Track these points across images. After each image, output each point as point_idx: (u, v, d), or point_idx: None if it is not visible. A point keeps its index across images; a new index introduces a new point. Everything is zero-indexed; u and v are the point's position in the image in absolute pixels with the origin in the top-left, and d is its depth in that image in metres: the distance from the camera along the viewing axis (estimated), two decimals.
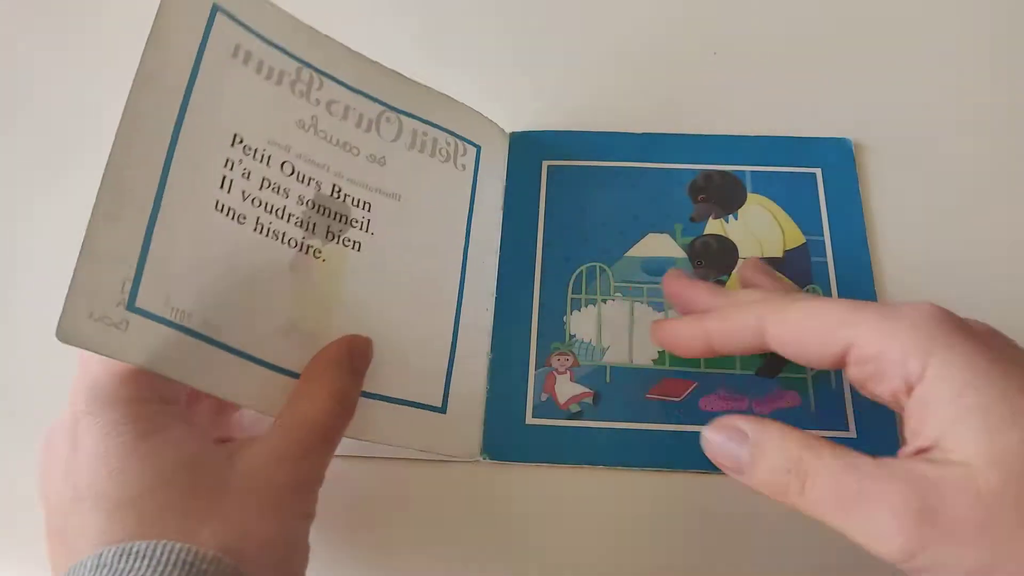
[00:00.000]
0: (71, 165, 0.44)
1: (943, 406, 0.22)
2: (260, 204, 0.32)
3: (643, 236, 0.39)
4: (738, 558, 0.32)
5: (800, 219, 0.39)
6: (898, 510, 0.21)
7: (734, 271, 0.38)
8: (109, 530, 0.24)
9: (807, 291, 0.37)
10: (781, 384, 0.35)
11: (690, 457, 0.34)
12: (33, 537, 0.33)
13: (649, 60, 0.46)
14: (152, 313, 0.28)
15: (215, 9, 0.33)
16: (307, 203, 0.34)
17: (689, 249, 0.39)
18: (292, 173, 0.34)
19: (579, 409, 0.35)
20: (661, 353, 0.36)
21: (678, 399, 0.35)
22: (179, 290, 0.29)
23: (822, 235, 0.39)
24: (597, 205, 0.40)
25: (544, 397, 0.35)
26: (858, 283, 0.37)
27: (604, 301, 0.38)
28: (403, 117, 0.38)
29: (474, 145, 0.40)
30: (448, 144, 0.39)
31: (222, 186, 0.31)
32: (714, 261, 0.38)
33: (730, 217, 0.39)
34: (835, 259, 0.38)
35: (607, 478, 0.34)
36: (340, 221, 0.34)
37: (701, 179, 0.40)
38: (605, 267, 0.38)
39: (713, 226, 0.39)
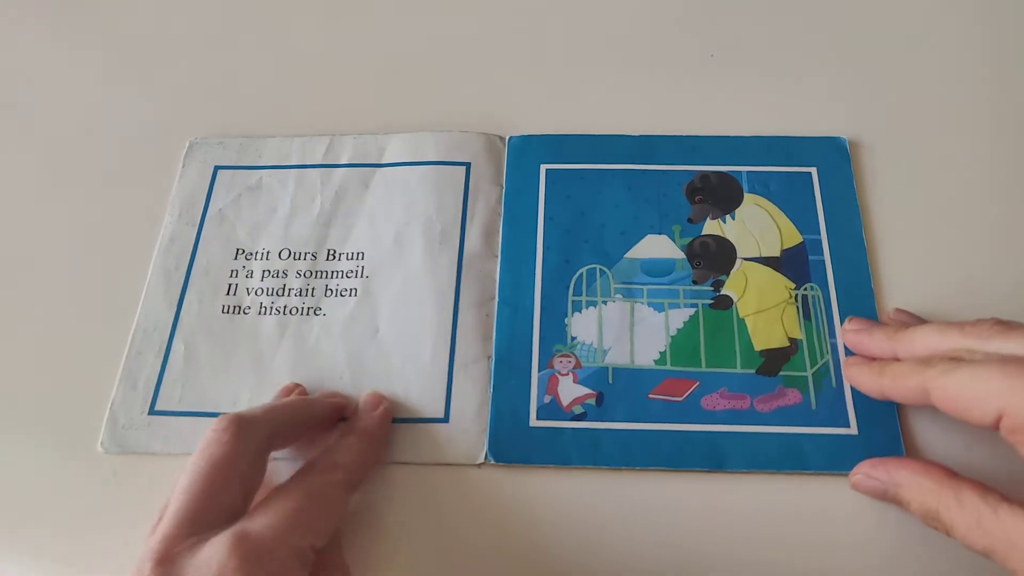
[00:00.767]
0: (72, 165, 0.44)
1: None
2: (262, 292, 0.39)
3: (642, 238, 0.39)
4: (742, 557, 0.32)
5: (797, 218, 0.39)
6: None
7: (733, 270, 0.38)
8: None
9: (805, 290, 0.38)
10: (783, 382, 0.35)
11: (693, 457, 0.34)
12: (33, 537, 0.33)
13: (645, 63, 0.46)
14: (167, 411, 0.36)
15: (216, 169, 0.43)
16: (304, 274, 0.39)
17: (688, 250, 0.39)
18: (289, 256, 0.39)
19: (582, 411, 0.35)
20: (662, 353, 0.36)
21: (680, 398, 0.35)
22: (191, 387, 0.37)
23: (819, 234, 0.39)
24: (596, 207, 0.40)
25: (547, 399, 0.36)
26: (855, 281, 0.38)
27: (604, 302, 0.38)
28: (389, 168, 0.42)
29: (462, 164, 0.41)
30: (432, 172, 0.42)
31: (228, 292, 0.39)
32: (712, 261, 0.39)
33: (727, 217, 0.40)
34: (832, 257, 0.38)
35: (611, 480, 0.34)
36: (336, 277, 0.39)
37: (698, 180, 0.41)
38: (605, 269, 0.39)
39: (711, 227, 0.40)
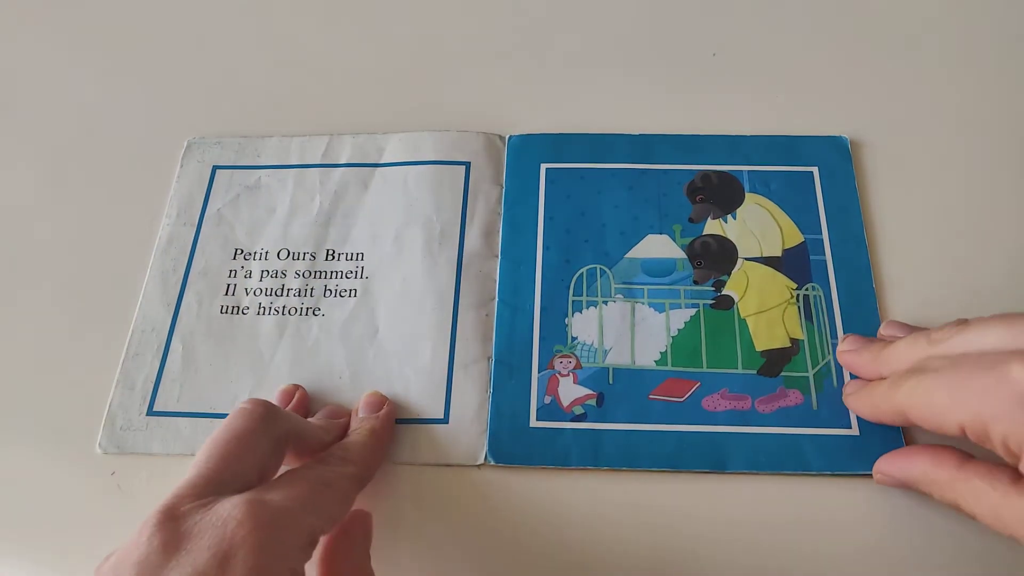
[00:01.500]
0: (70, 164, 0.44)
1: None
2: (260, 293, 0.38)
3: (642, 237, 0.39)
4: (742, 558, 0.32)
5: (798, 218, 0.39)
6: None
7: (734, 270, 0.38)
8: None
9: (807, 290, 0.37)
10: (784, 383, 0.35)
11: (694, 458, 0.34)
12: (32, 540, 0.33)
13: (645, 62, 0.46)
14: (165, 411, 0.36)
15: (214, 169, 0.42)
16: (303, 274, 0.39)
17: (689, 250, 0.39)
18: (288, 256, 0.39)
19: (583, 411, 0.35)
20: (663, 353, 0.36)
21: (681, 399, 0.35)
22: (189, 387, 0.37)
23: (820, 233, 0.39)
24: (596, 207, 0.40)
25: (547, 400, 0.35)
26: (857, 281, 0.37)
27: (605, 303, 0.38)
28: (389, 168, 0.42)
29: (461, 164, 0.41)
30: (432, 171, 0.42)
31: (226, 292, 0.39)
32: (714, 261, 0.38)
33: (728, 217, 0.40)
34: (834, 257, 0.38)
35: (611, 481, 0.34)
36: (335, 277, 0.39)
37: (699, 180, 0.41)
38: (605, 269, 0.38)
39: (712, 226, 0.39)
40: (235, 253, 0.40)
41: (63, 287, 0.40)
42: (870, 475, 0.33)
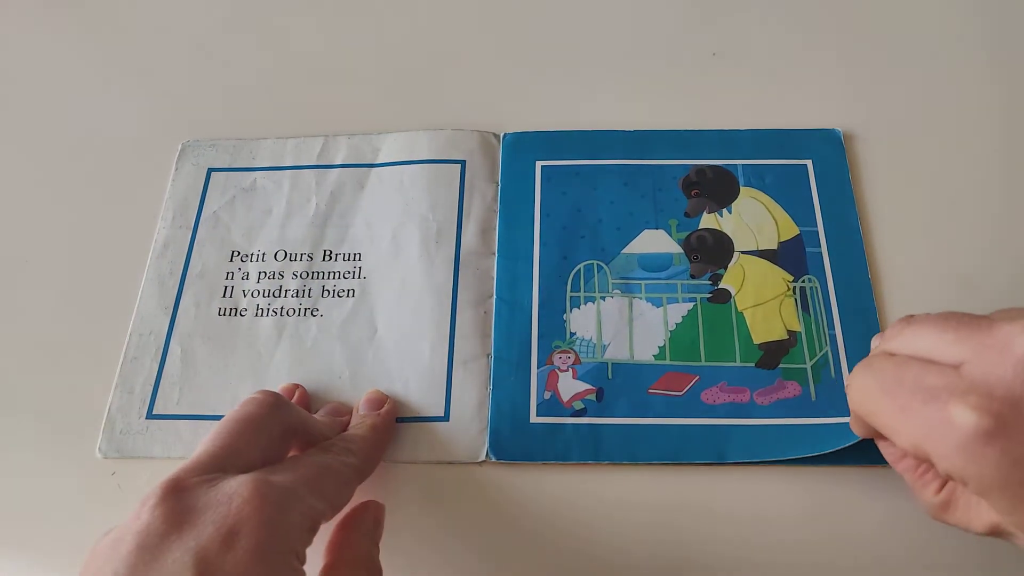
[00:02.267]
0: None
1: None
2: (258, 294, 0.38)
3: (638, 233, 0.39)
4: (743, 552, 0.32)
5: (793, 211, 0.39)
6: None
7: (730, 264, 0.38)
8: None
9: (803, 282, 0.38)
10: (782, 375, 0.35)
11: (694, 451, 0.34)
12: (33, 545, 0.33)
13: (638, 58, 0.46)
14: (165, 415, 0.36)
15: (209, 171, 0.42)
16: (300, 275, 0.39)
17: (685, 244, 0.39)
18: (285, 258, 0.39)
19: (582, 406, 0.35)
20: (661, 348, 0.36)
21: (680, 393, 0.35)
22: (188, 389, 0.36)
23: (816, 226, 0.39)
24: (592, 203, 0.40)
25: (547, 395, 0.36)
26: (853, 273, 0.38)
27: (603, 298, 0.38)
28: (384, 168, 0.42)
29: (457, 162, 0.41)
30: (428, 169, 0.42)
31: (224, 295, 0.39)
32: (710, 255, 0.39)
33: (724, 211, 0.40)
34: (829, 249, 0.38)
35: (613, 476, 0.34)
36: (333, 278, 0.39)
37: (694, 174, 0.41)
38: (602, 264, 0.38)
39: (707, 220, 0.40)
40: (232, 255, 0.40)
41: (60, 292, 0.40)
42: (870, 465, 0.33)
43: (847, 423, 0.34)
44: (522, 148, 0.42)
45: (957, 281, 0.38)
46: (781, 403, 0.35)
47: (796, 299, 0.37)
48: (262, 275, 0.39)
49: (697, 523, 0.33)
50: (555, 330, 0.37)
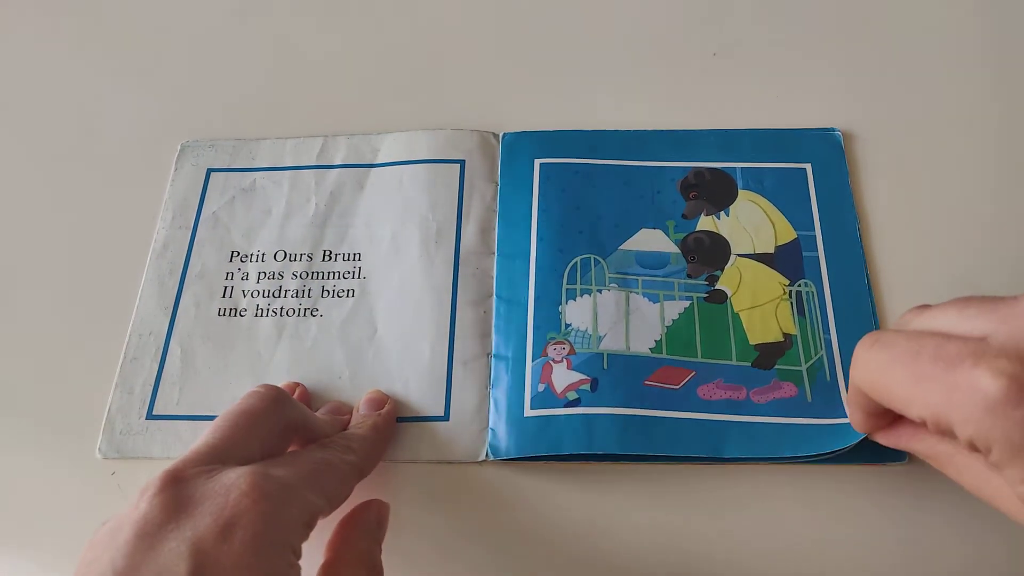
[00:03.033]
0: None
1: None
2: (258, 295, 0.38)
3: (637, 231, 0.39)
4: (743, 552, 0.33)
5: (791, 215, 0.40)
6: None
7: (727, 266, 0.39)
8: None
9: (799, 286, 0.38)
10: (778, 375, 0.36)
11: (690, 444, 0.34)
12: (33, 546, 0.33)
13: (638, 58, 0.46)
14: (165, 415, 0.36)
15: (209, 172, 0.42)
16: (300, 275, 0.39)
17: (682, 245, 0.39)
18: (284, 258, 0.39)
19: (576, 396, 0.35)
20: (658, 342, 0.36)
21: (676, 387, 0.35)
22: (188, 390, 0.37)
23: (813, 230, 0.39)
24: (590, 202, 0.40)
25: (541, 387, 0.35)
26: (850, 277, 0.38)
27: (599, 291, 0.38)
28: (384, 168, 0.42)
29: (456, 162, 0.41)
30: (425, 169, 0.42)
31: (223, 295, 0.39)
32: (707, 257, 0.39)
33: (721, 214, 0.40)
34: (826, 254, 0.38)
35: (612, 475, 0.34)
36: (332, 278, 0.39)
37: (692, 176, 0.41)
38: (600, 259, 0.39)
39: (705, 223, 0.40)
40: (231, 255, 0.40)
41: (59, 292, 0.40)
42: (866, 464, 0.33)
43: (845, 424, 0.34)
44: (521, 147, 0.42)
45: (957, 285, 0.38)
46: (777, 402, 0.35)
47: (792, 303, 0.37)
48: (262, 275, 0.39)
49: (697, 523, 0.33)
50: (550, 322, 0.37)
